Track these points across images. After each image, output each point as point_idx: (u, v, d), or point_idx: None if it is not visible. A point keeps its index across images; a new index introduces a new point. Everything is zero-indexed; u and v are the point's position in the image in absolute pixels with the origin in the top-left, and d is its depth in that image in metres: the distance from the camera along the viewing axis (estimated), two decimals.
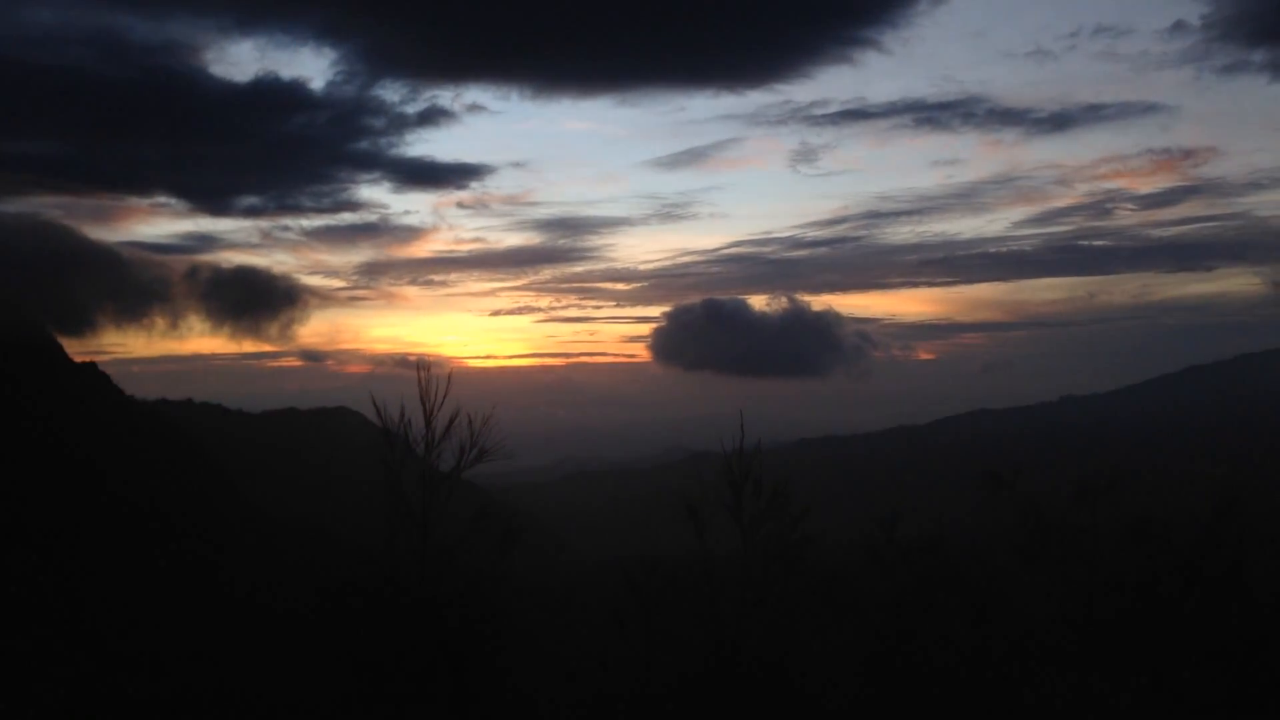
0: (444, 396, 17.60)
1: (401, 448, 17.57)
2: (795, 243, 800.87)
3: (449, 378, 17.61)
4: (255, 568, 55.49)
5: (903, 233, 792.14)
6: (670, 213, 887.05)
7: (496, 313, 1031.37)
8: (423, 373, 17.55)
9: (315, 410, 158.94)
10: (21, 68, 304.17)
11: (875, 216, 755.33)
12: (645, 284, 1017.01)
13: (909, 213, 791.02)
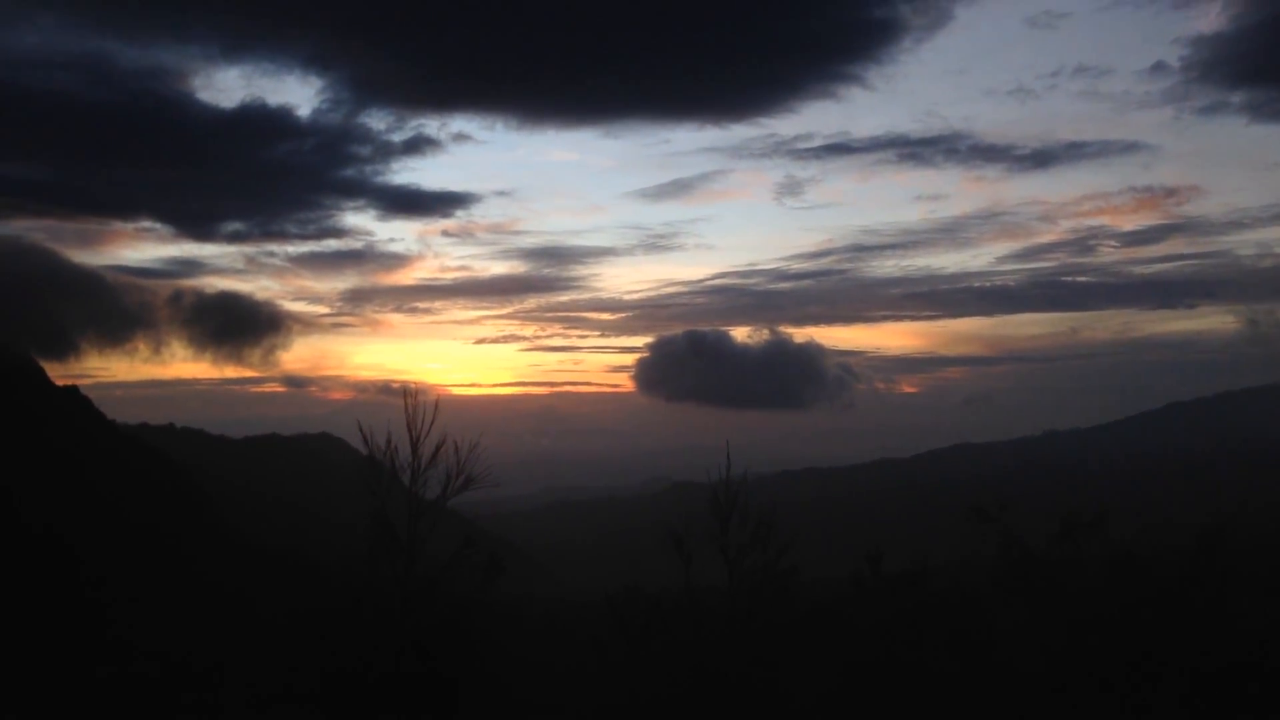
0: (431, 424, 17.33)
1: (387, 475, 17.35)
2: (780, 275, 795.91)
3: (436, 405, 17.28)
4: (235, 595, 54.41)
5: (887, 266, 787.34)
6: (655, 243, 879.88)
7: (481, 341, 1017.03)
8: (409, 399, 17.19)
9: (298, 436, 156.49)
10: (7, 91, 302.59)
11: (860, 250, 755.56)
12: (630, 314, 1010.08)
13: (893, 246, 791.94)
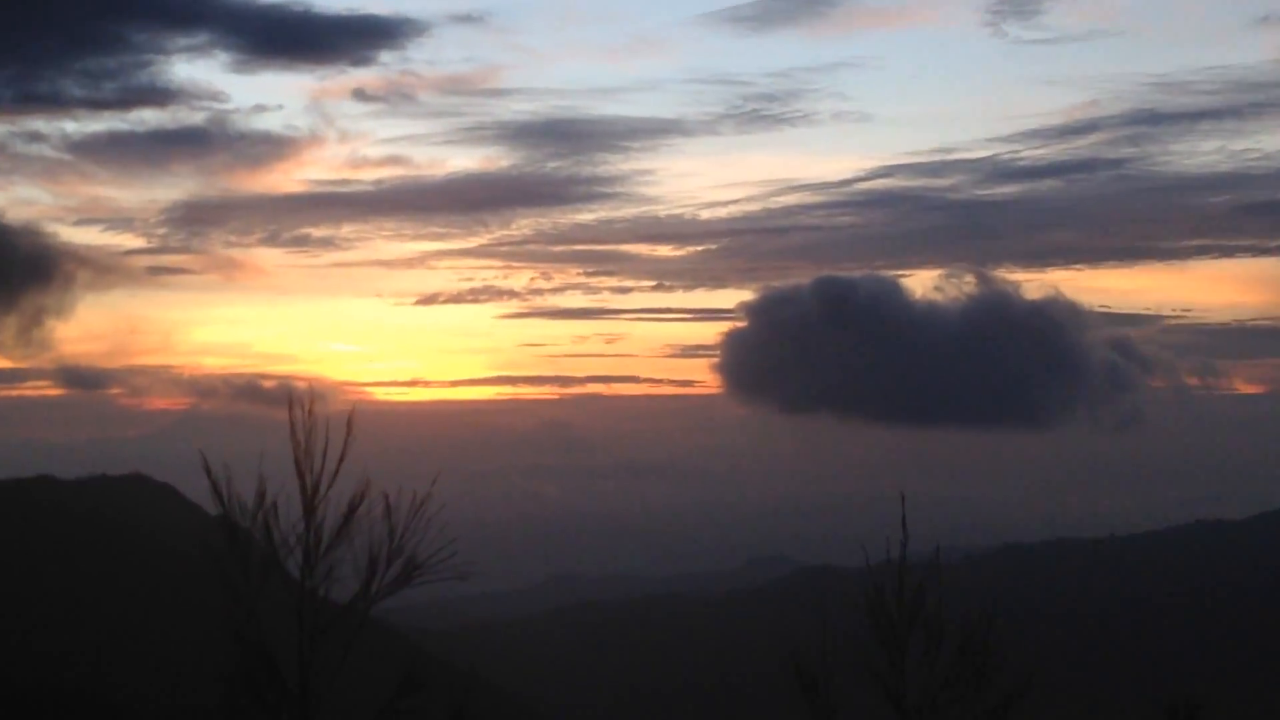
0: (341, 458, 12.08)
1: (259, 557, 12.08)
2: (994, 171, 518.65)
3: (350, 421, 12.17)
4: None
5: (1203, 153, 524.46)
6: (757, 113, 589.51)
7: (430, 299, 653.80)
8: (300, 411, 12.06)
9: (90, 480, 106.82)
10: None
11: (1148, 123, 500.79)
12: (709, 247, 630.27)
13: (1214, 115, 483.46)
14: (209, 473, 12.48)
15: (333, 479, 12.44)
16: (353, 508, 12.56)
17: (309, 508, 12.42)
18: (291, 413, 12.46)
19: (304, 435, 12.45)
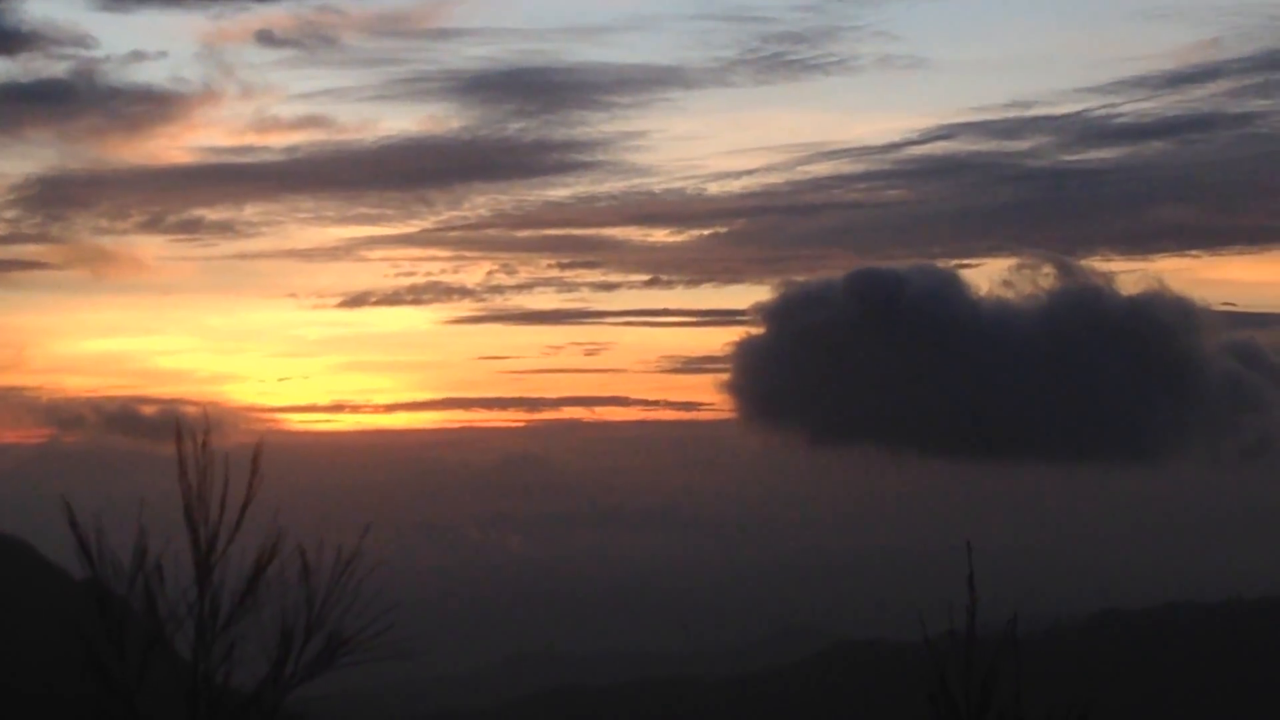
0: (244, 505, 12.24)
1: (139, 632, 12.20)
2: (1085, 130, 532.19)
3: (255, 457, 12.38)
4: None
5: None
6: (780, 58, 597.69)
7: (358, 300, 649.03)
8: (189, 445, 12.12)
9: None
10: None
11: None
12: (716, 231, 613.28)
13: None
14: (74, 525, 12.55)
15: (234, 532, 12.50)
16: (260, 568, 12.67)
17: (203, 569, 12.47)
18: (180, 447, 12.51)
19: (196, 476, 12.52)
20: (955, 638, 14.42)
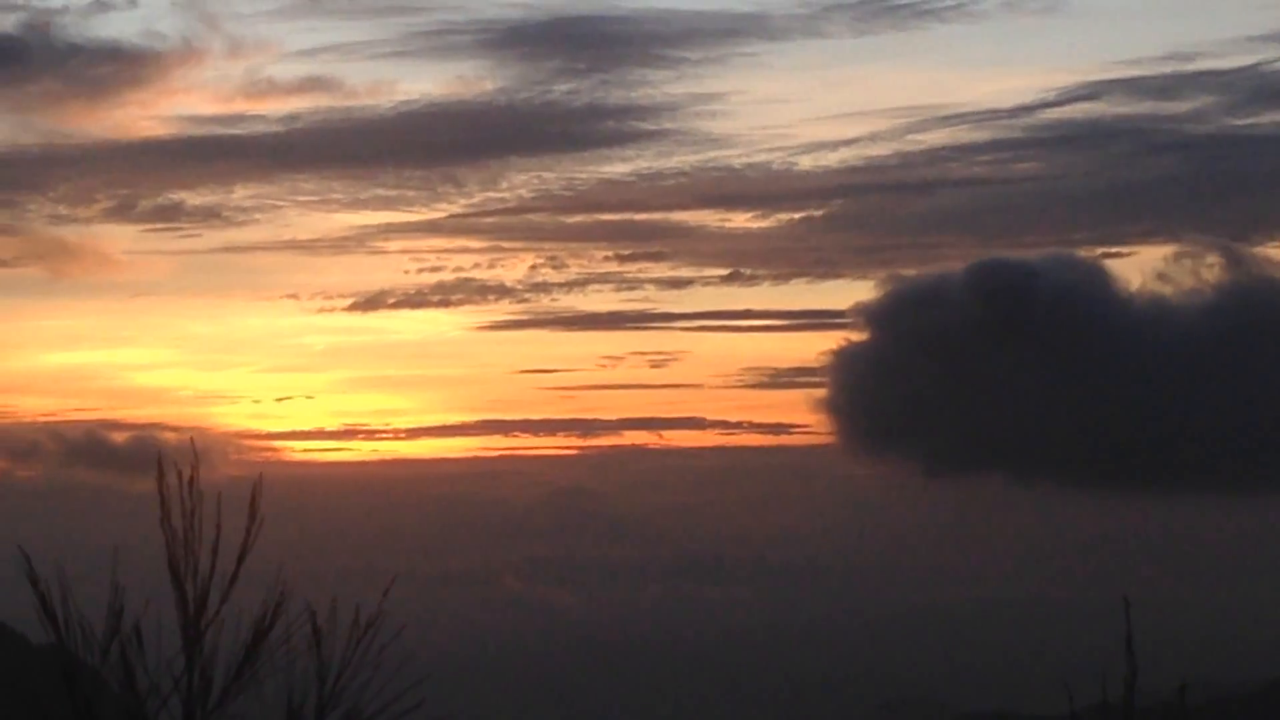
0: (241, 556, 12.48)
1: (115, 710, 12.36)
2: (1259, 88, 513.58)
3: (254, 495, 12.49)
4: None
5: None
6: (886, 3, 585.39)
7: (373, 302, 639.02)
8: (172, 481, 12.27)
9: None
10: None
11: None
12: (809, 215, 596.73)
13: None
14: (34, 581, 12.62)
15: (228, 588, 12.62)
16: (261, 633, 12.79)
17: (192, 634, 12.59)
18: (161, 484, 12.51)
19: (182, 520, 12.57)
20: (1109, 711, 14.21)
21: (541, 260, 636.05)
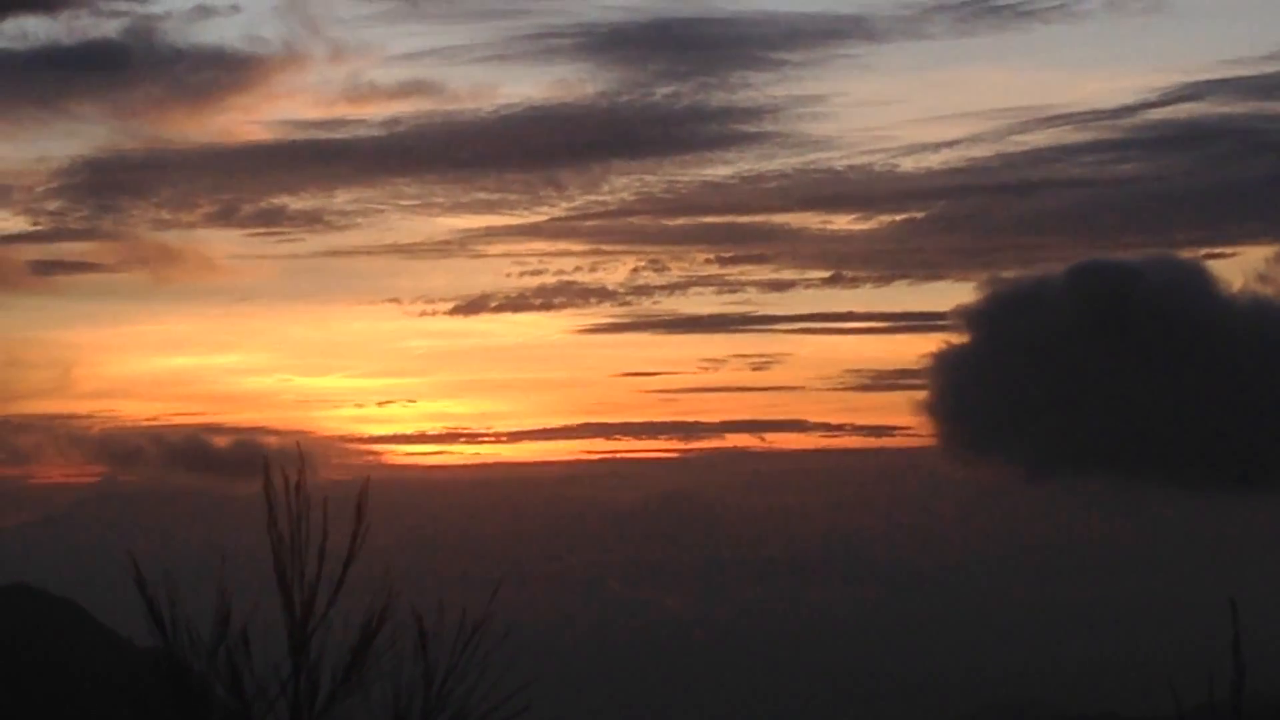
0: (348, 560, 12.32)
1: (222, 714, 12.19)
2: None
3: (360, 500, 12.28)
4: None
5: None
6: (988, 3, 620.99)
7: (475, 305, 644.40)
8: (278, 486, 12.03)
9: None
10: None
11: None
12: (911, 217, 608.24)
13: None
14: (141, 585, 12.58)
15: (335, 593, 12.50)
16: (368, 637, 12.68)
17: (299, 639, 12.51)
18: (267, 489, 12.40)
19: (289, 525, 12.45)
20: (1216, 712, 13.87)
21: (643, 263, 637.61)
